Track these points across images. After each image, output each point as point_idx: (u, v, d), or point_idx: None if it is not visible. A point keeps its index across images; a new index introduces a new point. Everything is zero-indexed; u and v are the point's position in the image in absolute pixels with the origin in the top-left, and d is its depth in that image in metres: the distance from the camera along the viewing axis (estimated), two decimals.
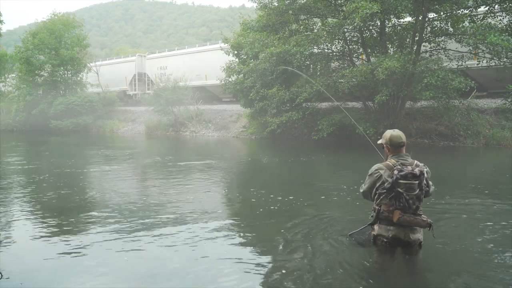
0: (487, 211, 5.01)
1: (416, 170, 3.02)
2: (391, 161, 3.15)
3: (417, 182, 3.02)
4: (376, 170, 3.20)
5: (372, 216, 3.33)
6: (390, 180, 3.06)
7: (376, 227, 3.28)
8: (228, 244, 3.80)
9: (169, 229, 4.25)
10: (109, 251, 3.62)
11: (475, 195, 6.02)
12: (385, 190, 3.12)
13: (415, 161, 3.17)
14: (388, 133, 3.25)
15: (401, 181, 3.01)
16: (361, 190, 3.42)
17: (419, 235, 3.17)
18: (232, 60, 19.53)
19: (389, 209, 3.12)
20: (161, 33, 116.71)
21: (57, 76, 28.19)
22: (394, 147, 3.19)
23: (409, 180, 3.01)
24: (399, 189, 3.03)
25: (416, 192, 3.03)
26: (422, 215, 3.12)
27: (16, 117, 29.80)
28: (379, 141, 3.37)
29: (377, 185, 3.18)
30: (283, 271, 3.15)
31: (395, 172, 3.03)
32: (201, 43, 31.34)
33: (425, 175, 3.08)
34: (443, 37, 13.77)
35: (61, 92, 29.31)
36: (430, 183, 3.23)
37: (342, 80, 13.71)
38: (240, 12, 23.59)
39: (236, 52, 19.50)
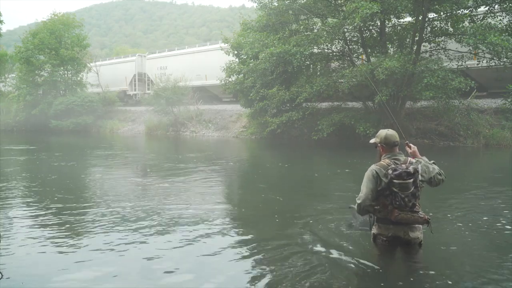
0: (487, 211, 5.01)
1: (411, 168, 3.03)
2: (385, 161, 3.16)
3: (411, 180, 3.03)
4: (373, 170, 3.17)
5: (370, 217, 3.33)
6: (385, 180, 3.07)
7: (376, 226, 3.29)
8: (228, 244, 3.80)
9: (171, 229, 4.25)
10: (109, 251, 3.62)
11: (476, 195, 6.02)
12: (381, 190, 3.12)
13: (409, 159, 3.18)
14: (383, 132, 3.26)
15: (395, 180, 3.02)
16: (359, 201, 3.11)
17: (418, 233, 3.17)
18: (232, 60, 19.53)
19: (387, 209, 3.13)
20: (161, 33, 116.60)
21: (57, 76, 28.19)
22: (389, 146, 3.21)
23: (403, 179, 3.01)
24: (394, 189, 3.04)
25: (411, 190, 3.03)
26: (420, 212, 3.12)
27: (16, 117, 29.80)
28: (372, 140, 3.37)
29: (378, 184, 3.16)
30: (284, 271, 3.15)
31: (389, 171, 3.04)
32: (201, 43, 31.33)
33: (419, 171, 3.09)
34: (443, 37, 13.77)
35: (61, 92, 29.32)
36: (431, 168, 3.20)
37: (342, 80, 13.71)
38: (240, 12, 23.60)
39: (236, 52, 19.51)
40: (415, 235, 3.15)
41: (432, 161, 3.32)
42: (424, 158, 3.33)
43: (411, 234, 3.13)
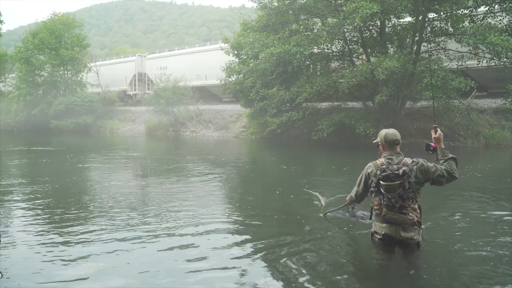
0: (487, 211, 5.00)
1: (400, 171, 3.01)
2: (380, 160, 3.21)
3: (398, 182, 3.01)
4: (366, 169, 3.30)
5: (352, 208, 3.49)
6: (374, 179, 3.14)
7: (372, 224, 3.33)
8: (229, 244, 3.80)
9: (172, 229, 4.25)
10: (108, 252, 3.62)
11: (475, 195, 6.02)
12: (370, 187, 3.23)
13: (404, 160, 3.15)
14: (384, 131, 3.31)
15: (381, 182, 3.05)
16: (352, 195, 3.58)
17: (412, 233, 3.12)
18: (232, 60, 19.53)
19: (380, 207, 3.16)
20: (161, 33, 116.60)
21: (57, 76, 28.21)
22: (389, 144, 3.23)
23: (391, 180, 3.02)
24: (381, 189, 3.08)
25: (398, 191, 3.02)
26: (409, 214, 3.08)
27: (16, 117, 29.81)
28: (375, 140, 3.40)
29: (369, 182, 3.27)
30: (282, 271, 3.15)
31: (378, 172, 3.10)
32: (201, 43, 31.34)
33: (411, 174, 3.05)
34: (443, 37, 13.76)
35: (61, 92, 29.33)
36: (433, 169, 3.10)
37: (342, 80, 13.71)
38: (240, 12, 23.60)
39: (236, 52, 19.51)
40: (408, 235, 3.11)
41: (451, 156, 3.17)
42: (445, 150, 3.20)
43: (403, 234, 3.11)
